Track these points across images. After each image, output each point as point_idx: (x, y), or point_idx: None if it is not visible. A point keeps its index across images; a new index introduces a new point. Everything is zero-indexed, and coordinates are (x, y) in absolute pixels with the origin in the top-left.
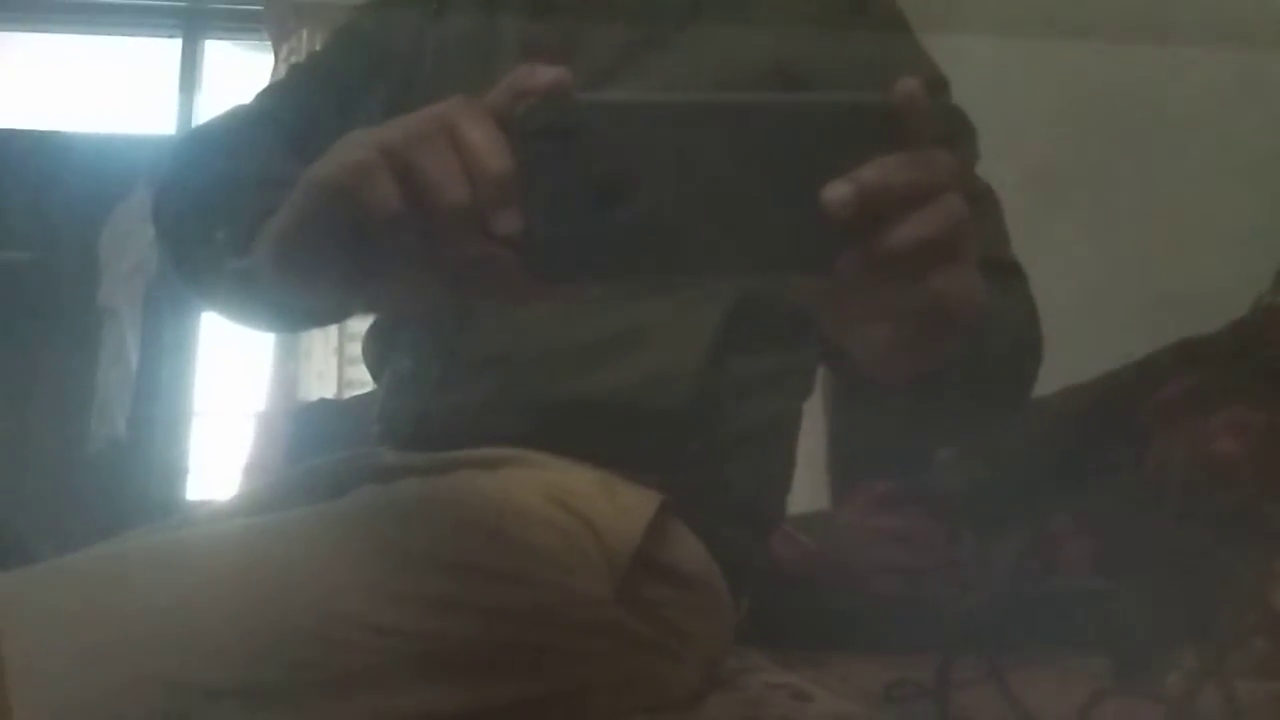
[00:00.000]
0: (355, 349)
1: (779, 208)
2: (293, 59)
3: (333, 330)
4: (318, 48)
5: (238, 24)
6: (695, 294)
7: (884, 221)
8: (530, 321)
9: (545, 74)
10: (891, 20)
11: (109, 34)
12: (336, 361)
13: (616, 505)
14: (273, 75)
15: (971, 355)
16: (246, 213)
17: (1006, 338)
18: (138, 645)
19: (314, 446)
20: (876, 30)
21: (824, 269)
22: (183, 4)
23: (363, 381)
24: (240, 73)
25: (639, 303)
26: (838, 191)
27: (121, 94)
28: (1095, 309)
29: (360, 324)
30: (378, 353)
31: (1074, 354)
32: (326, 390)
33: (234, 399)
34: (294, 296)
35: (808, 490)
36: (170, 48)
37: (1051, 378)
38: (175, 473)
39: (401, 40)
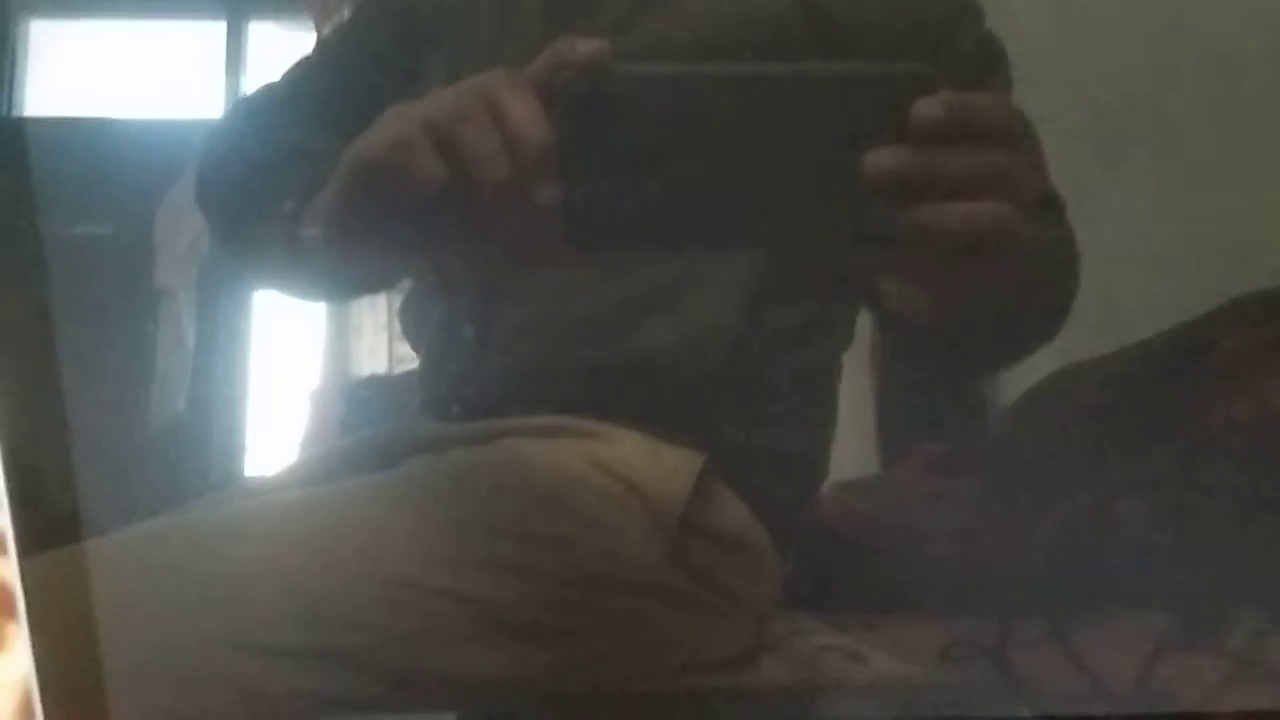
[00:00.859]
0: None
1: (814, 174)
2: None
3: (381, 308)
4: (344, 19)
5: (280, 5)
6: (726, 252)
7: (930, 189)
8: (564, 287)
9: (585, 46)
10: None
11: (154, 19)
12: (386, 338)
13: (661, 467)
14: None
15: (1013, 293)
16: (293, 189)
17: (1046, 271)
18: (207, 607)
19: (366, 421)
20: None
21: (860, 234)
22: None
23: (413, 357)
24: (284, 54)
25: (672, 262)
26: (884, 159)
27: (170, 79)
28: (1153, 265)
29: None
30: (416, 324)
31: (1133, 312)
32: (378, 366)
33: (288, 377)
34: (345, 267)
35: (858, 455)
36: (215, 31)
37: (1111, 336)
38: (233, 450)
39: (424, 5)
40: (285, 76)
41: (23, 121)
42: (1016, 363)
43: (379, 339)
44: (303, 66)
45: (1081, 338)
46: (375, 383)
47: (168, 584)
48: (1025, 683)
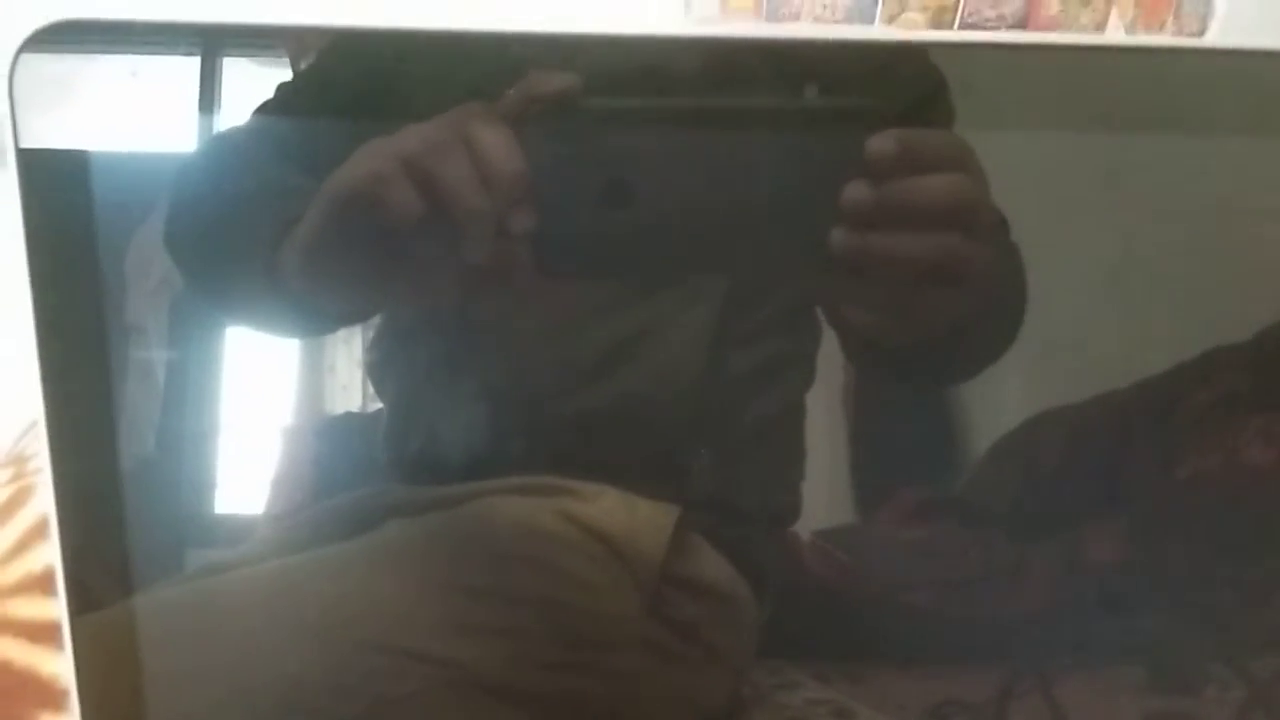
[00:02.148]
0: None
1: (777, 205)
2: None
3: (356, 344)
4: (304, 65)
5: (255, 41)
6: (685, 292)
7: (888, 221)
8: (529, 342)
9: (556, 80)
10: None
11: (128, 54)
12: (360, 375)
13: (637, 522)
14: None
15: (969, 309)
16: (267, 226)
17: (999, 287)
18: (199, 680)
19: (339, 459)
20: None
21: (822, 264)
22: (200, 23)
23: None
24: (258, 90)
25: (632, 310)
26: (843, 192)
27: (143, 113)
28: (1125, 315)
29: None
30: (381, 379)
31: (1106, 361)
32: (351, 404)
33: (260, 414)
34: (322, 300)
35: (834, 503)
36: (189, 66)
37: (1084, 384)
38: (204, 487)
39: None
40: (253, 118)
41: None
42: (975, 375)
43: (353, 375)
44: (271, 107)
45: (1054, 387)
46: (349, 420)
47: (170, 654)
48: None
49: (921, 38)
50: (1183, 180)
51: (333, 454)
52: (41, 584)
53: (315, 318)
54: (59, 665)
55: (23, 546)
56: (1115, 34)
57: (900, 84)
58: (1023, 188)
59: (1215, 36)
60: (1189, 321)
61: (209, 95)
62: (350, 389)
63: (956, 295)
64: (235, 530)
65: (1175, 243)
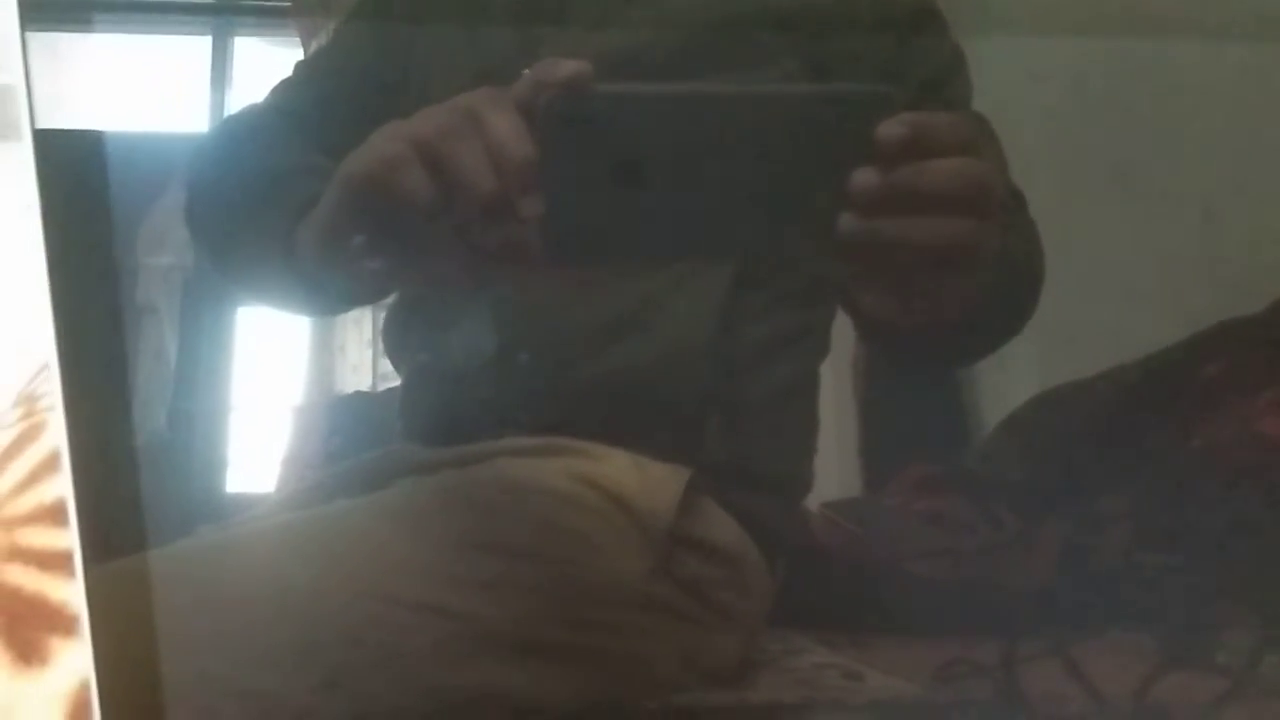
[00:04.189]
0: None
1: (788, 190)
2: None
3: (366, 324)
4: (325, 41)
5: (266, 20)
6: (699, 265)
7: (899, 205)
8: (541, 309)
9: (567, 67)
10: None
11: (139, 33)
12: (371, 355)
13: (647, 483)
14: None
15: (983, 292)
16: (286, 206)
17: (1013, 267)
18: (218, 632)
19: (350, 438)
20: None
21: (834, 249)
22: (211, 1)
23: (396, 374)
24: (270, 68)
25: (645, 280)
26: (854, 177)
27: (155, 92)
28: (1134, 289)
29: None
30: (397, 347)
31: (1115, 335)
32: (362, 383)
33: (271, 393)
34: (338, 280)
35: (844, 474)
36: (200, 45)
37: (1093, 359)
38: (215, 466)
39: (400, 30)
40: (270, 98)
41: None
42: (989, 354)
43: (363, 355)
44: (287, 87)
45: (1063, 363)
46: (359, 399)
47: (177, 616)
48: (1025, 700)
49: None
50: (1195, 153)
51: (343, 432)
52: (52, 514)
53: (329, 296)
54: (68, 592)
55: (34, 479)
56: None
57: (917, 61)
58: (1034, 166)
59: None
60: (1199, 294)
61: (220, 74)
62: (361, 369)
63: (969, 279)
64: (247, 506)
65: (1185, 215)
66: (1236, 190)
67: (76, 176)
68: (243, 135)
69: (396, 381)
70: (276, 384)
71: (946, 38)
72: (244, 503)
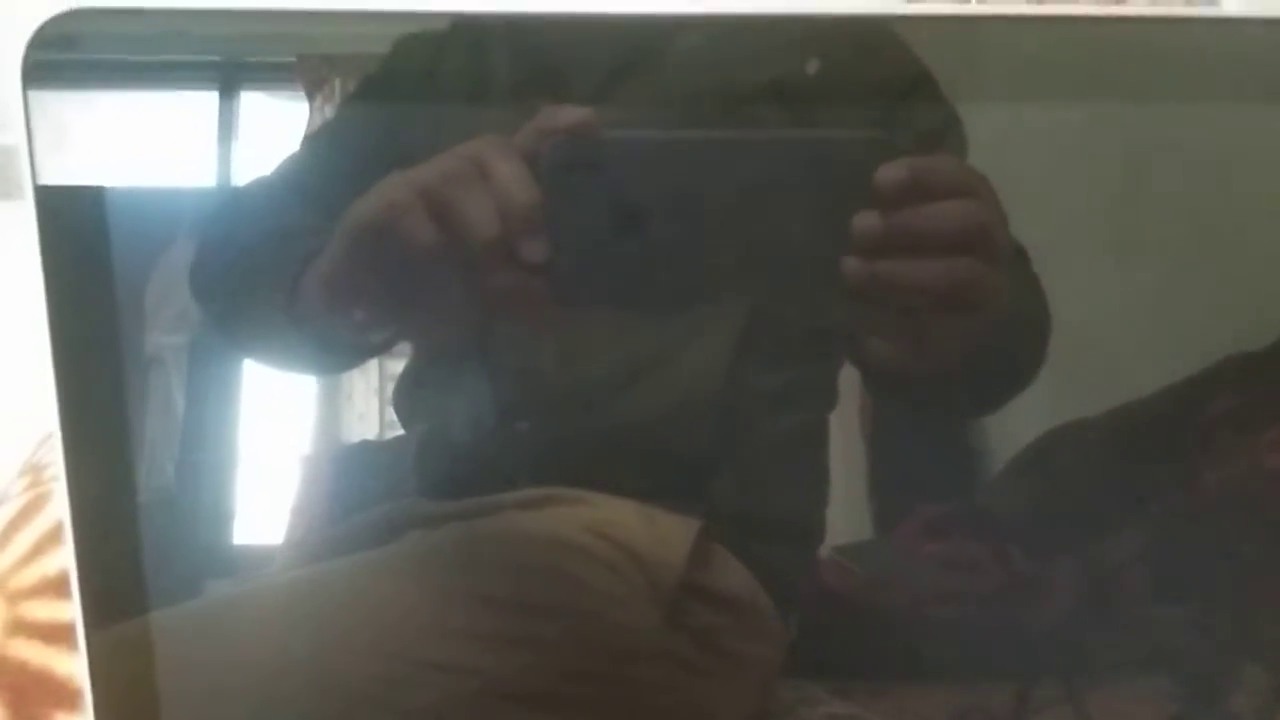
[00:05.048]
0: None
1: (791, 236)
2: (326, 108)
3: (373, 373)
4: (330, 114)
5: (272, 75)
6: (707, 315)
7: (902, 248)
8: (549, 364)
9: (570, 114)
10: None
11: (146, 90)
12: (377, 403)
13: (657, 533)
14: (308, 125)
15: (989, 341)
16: (288, 261)
17: (1019, 317)
18: (222, 694)
19: (357, 487)
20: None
21: (837, 294)
22: (217, 59)
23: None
24: (276, 123)
25: (653, 332)
26: (856, 221)
27: (162, 148)
28: (1142, 327)
29: (399, 367)
30: (406, 406)
31: (1122, 373)
32: (369, 432)
33: (278, 443)
34: (339, 333)
35: (854, 519)
36: (207, 101)
37: (1100, 397)
38: (223, 518)
39: (405, 99)
40: (276, 170)
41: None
42: (997, 408)
43: (370, 404)
44: (293, 159)
45: (1071, 400)
46: (367, 448)
47: (190, 671)
48: None
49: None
50: (1196, 187)
51: (350, 482)
52: (56, 587)
53: (334, 351)
54: (73, 665)
55: (39, 551)
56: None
57: (912, 120)
58: (1034, 198)
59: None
60: (1205, 330)
61: (227, 129)
62: (368, 418)
63: (972, 323)
64: (254, 560)
65: (1188, 251)
66: (1239, 225)
67: (78, 234)
68: (248, 206)
69: (402, 430)
70: (283, 434)
71: (941, 100)
72: (252, 556)
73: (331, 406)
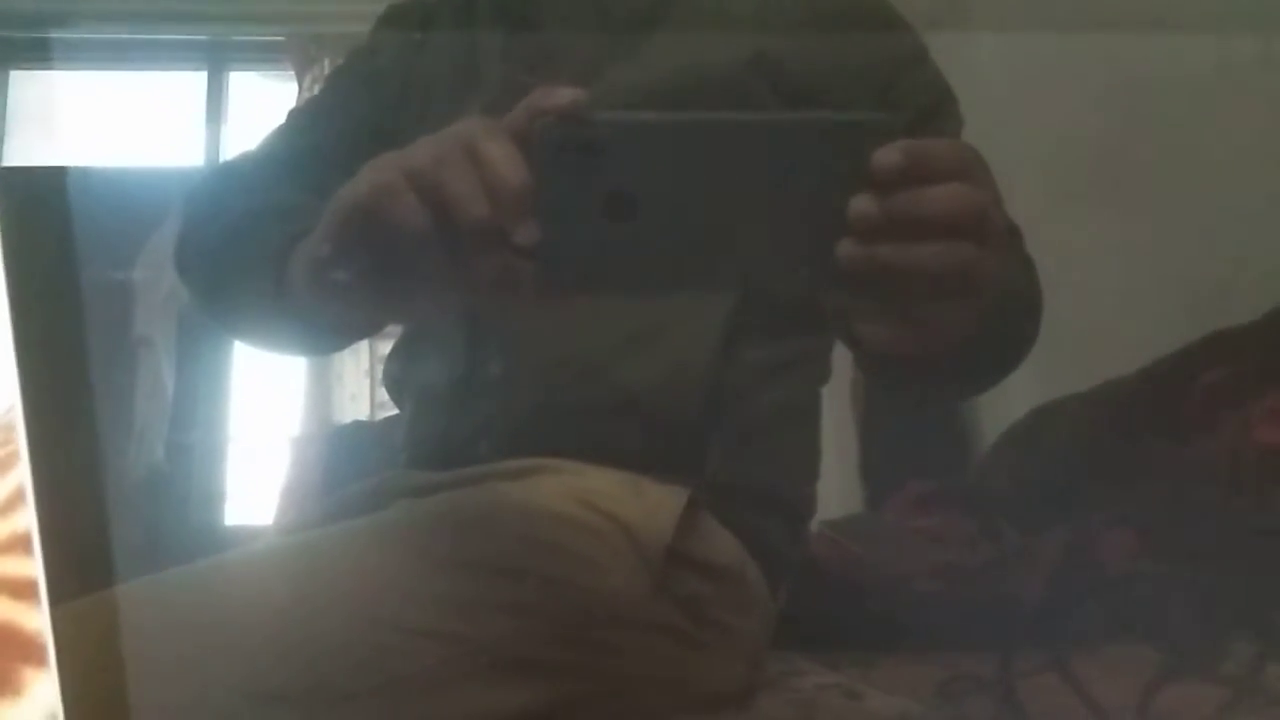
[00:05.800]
0: None
1: (783, 218)
2: (315, 88)
3: (364, 353)
4: (317, 90)
5: (261, 55)
6: (698, 293)
7: (896, 231)
8: (541, 334)
9: (562, 94)
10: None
11: (136, 70)
12: (368, 384)
13: (645, 503)
14: (296, 104)
15: (981, 322)
16: (275, 240)
17: (1011, 298)
18: (211, 655)
19: (348, 468)
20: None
21: (831, 276)
22: (206, 38)
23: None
24: (265, 103)
25: (646, 304)
26: (851, 204)
27: (151, 128)
28: (1129, 302)
29: (390, 349)
30: (398, 380)
31: (1110, 348)
32: (360, 412)
33: (269, 424)
34: (327, 314)
35: (845, 493)
36: (196, 81)
37: (1088, 372)
38: (213, 498)
39: (393, 71)
40: (261, 146)
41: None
42: (989, 389)
43: (361, 385)
44: (279, 135)
45: (1060, 376)
46: (358, 428)
47: (177, 635)
48: (1025, 715)
49: None
50: (1188, 160)
51: (341, 462)
52: (25, 543)
53: (322, 333)
54: (41, 621)
55: (9, 507)
56: None
57: (908, 95)
58: (1025, 171)
59: None
60: (1194, 304)
61: (216, 107)
62: (359, 398)
63: (967, 305)
64: (246, 538)
65: (1180, 224)
66: (1230, 201)
67: (37, 212)
68: (233, 181)
69: (394, 410)
70: (274, 414)
71: (937, 76)
72: (243, 534)
73: (322, 387)
